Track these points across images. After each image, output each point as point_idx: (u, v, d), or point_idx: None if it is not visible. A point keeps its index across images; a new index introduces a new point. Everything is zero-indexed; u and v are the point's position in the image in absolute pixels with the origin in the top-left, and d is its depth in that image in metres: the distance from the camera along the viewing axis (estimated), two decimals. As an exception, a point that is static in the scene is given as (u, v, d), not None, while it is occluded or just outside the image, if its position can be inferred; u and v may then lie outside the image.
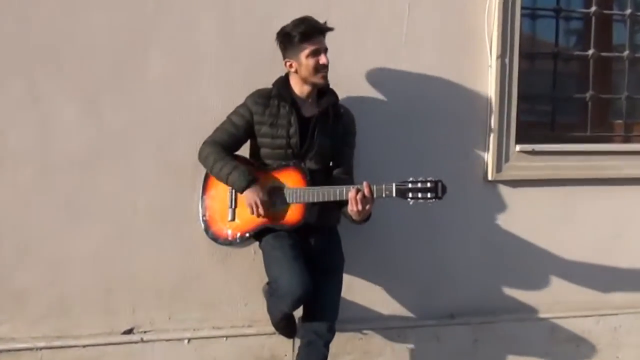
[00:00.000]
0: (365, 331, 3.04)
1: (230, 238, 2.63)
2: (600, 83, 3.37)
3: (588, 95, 3.34)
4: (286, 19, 2.58)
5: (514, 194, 3.18)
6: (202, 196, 2.71)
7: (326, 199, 2.48)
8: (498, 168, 3.12)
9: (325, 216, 2.63)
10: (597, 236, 3.30)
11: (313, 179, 2.55)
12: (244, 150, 2.68)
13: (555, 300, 3.26)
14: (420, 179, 2.44)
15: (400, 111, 3.00)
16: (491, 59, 3.07)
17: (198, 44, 2.80)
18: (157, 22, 2.76)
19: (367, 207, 2.45)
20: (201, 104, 2.81)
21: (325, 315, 2.58)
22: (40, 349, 2.73)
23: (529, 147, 3.15)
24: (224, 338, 2.90)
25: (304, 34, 2.51)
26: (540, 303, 3.25)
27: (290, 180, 2.55)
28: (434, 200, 2.43)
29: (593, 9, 3.30)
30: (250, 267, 2.88)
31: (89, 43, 2.71)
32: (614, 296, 3.34)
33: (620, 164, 3.28)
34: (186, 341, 2.87)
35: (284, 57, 2.60)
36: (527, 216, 3.20)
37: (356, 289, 3.01)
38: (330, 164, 2.69)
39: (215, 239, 2.67)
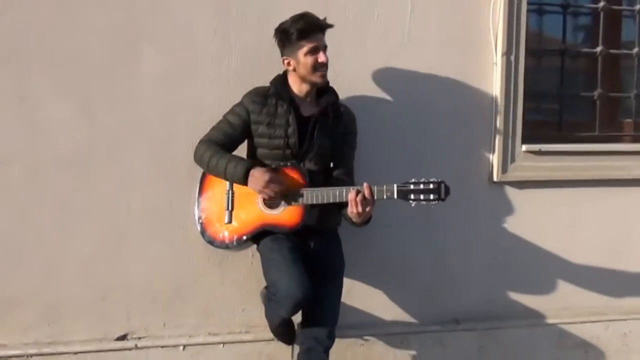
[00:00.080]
0: (366, 337, 3.01)
1: (226, 241, 2.60)
2: (608, 81, 3.35)
3: (596, 93, 3.32)
4: (284, 16, 2.55)
5: (519, 195, 3.15)
6: (198, 198, 2.68)
7: (325, 201, 2.46)
8: (504, 169, 3.09)
9: (325, 218, 2.60)
10: (606, 239, 3.28)
11: (312, 180, 2.53)
12: (242, 152, 2.65)
13: (563, 306, 3.24)
14: (422, 180, 2.41)
15: (403, 110, 2.98)
16: (496, 56, 3.04)
17: (193, 41, 2.78)
18: (151, 19, 2.74)
19: (368, 209, 2.41)
20: (197, 103, 2.78)
21: (325, 320, 2.55)
22: (31, 355, 2.72)
23: (535, 147, 3.12)
24: (221, 344, 2.88)
25: (302, 30, 2.47)
26: (548, 308, 3.23)
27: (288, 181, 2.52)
28: (436, 202, 2.41)
29: (601, 4, 3.28)
30: (247, 271, 2.87)
31: (82, 41, 2.69)
32: (623, 301, 3.32)
33: (629, 165, 3.25)
34: (181, 348, 2.85)
35: (282, 55, 2.57)
36: (534, 218, 3.17)
37: (357, 294, 2.99)
38: (331, 164, 2.65)
39: (211, 241, 2.64)
